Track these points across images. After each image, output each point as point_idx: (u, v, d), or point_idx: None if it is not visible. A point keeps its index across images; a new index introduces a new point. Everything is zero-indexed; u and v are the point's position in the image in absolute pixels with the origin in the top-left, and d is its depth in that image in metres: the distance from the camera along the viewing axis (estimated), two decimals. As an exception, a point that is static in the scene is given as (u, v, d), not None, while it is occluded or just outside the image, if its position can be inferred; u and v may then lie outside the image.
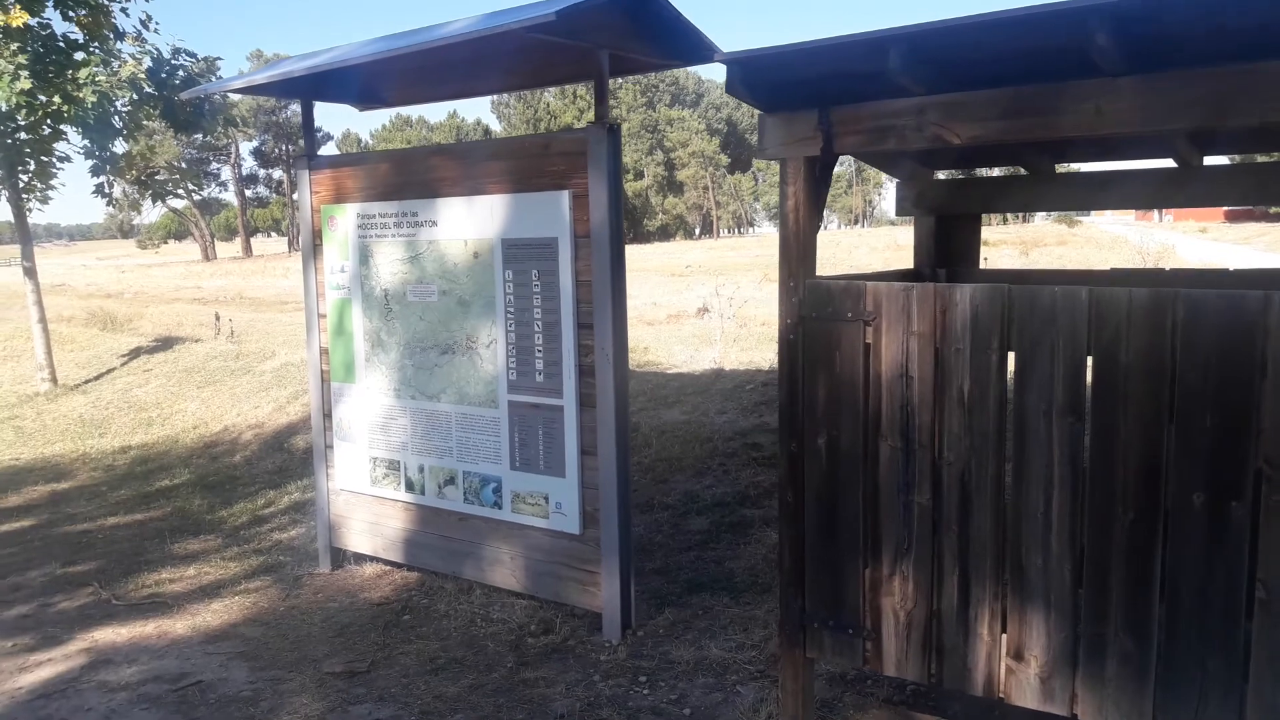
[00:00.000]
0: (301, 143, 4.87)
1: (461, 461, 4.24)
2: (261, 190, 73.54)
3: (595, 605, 3.87)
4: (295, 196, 4.55)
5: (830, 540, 2.84)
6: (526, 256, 3.89)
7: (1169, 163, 3.16)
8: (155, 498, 6.57)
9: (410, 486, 4.45)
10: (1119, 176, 3.27)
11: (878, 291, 2.67)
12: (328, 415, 4.79)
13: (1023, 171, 3.44)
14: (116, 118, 9.70)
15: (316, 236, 4.70)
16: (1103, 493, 2.27)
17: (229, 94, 5.74)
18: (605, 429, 3.75)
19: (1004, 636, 2.49)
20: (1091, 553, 2.31)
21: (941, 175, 3.68)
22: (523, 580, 4.11)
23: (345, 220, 4.52)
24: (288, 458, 7.31)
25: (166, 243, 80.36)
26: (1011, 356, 2.44)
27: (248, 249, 65.67)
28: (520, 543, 4.09)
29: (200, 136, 11.98)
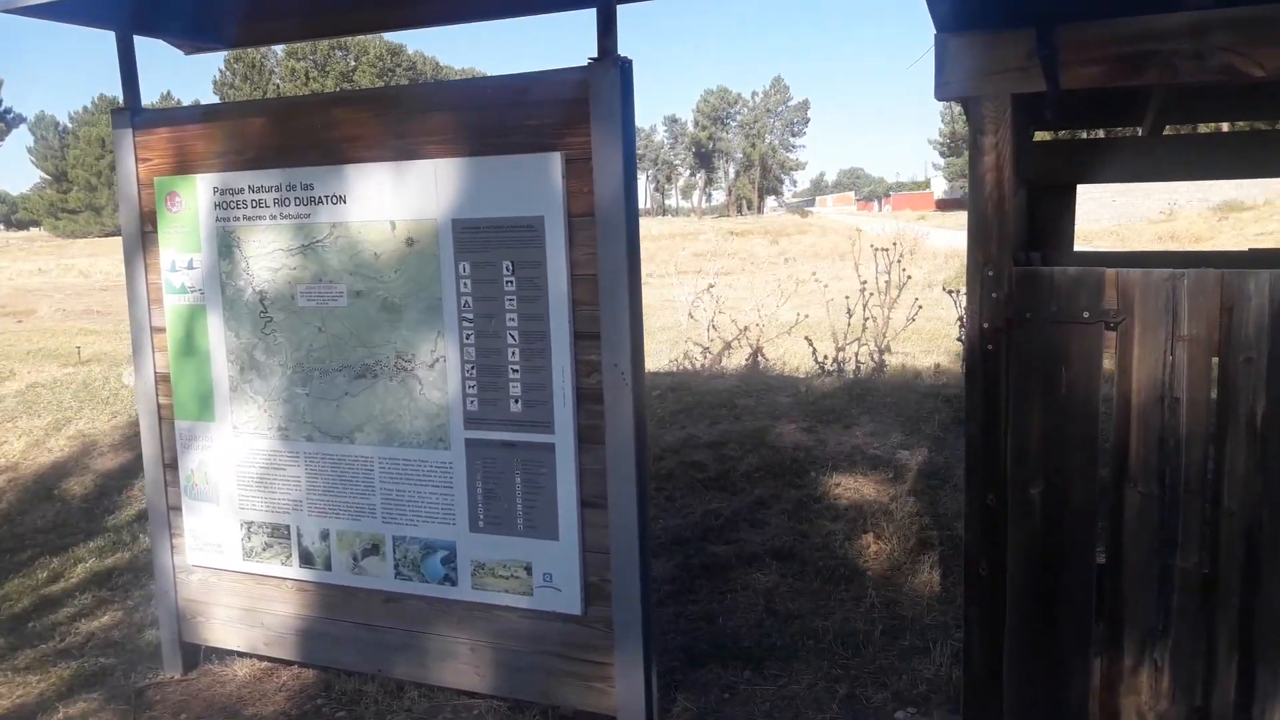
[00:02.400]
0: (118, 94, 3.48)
1: (390, 524, 3.12)
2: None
3: (606, 706, 2.91)
4: (113, 166, 3.20)
5: (1045, 623, 2.07)
6: (493, 243, 2.85)
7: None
8: (-127, 581, 4.79)
9: (307, 559, 3.26)
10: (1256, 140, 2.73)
11: (1127, 281, 1.92)
12: (170, 466, 3.47)
13: (1138, 131, 2.83)
14: None
15: (147, 221, 3.37)
16: None
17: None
18: (620, 472, 2.80)
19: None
20: None
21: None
22: (490, 678, 3.06)
23: (194, 198, 3.24)
24: (63, 509, 5.65)
25: None
26: None
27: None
28: (486, 629, 3.04)
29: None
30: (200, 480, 3.40)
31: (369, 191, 2.99)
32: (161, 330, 3.40)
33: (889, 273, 6.78)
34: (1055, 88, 1.92)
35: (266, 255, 3.16)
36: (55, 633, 3.95)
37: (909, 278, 7.02)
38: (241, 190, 3.17)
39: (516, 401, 2.90)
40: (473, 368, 2.94)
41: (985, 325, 2.02)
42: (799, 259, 24.25)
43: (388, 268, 3.00)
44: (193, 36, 3.55)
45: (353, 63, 76.49)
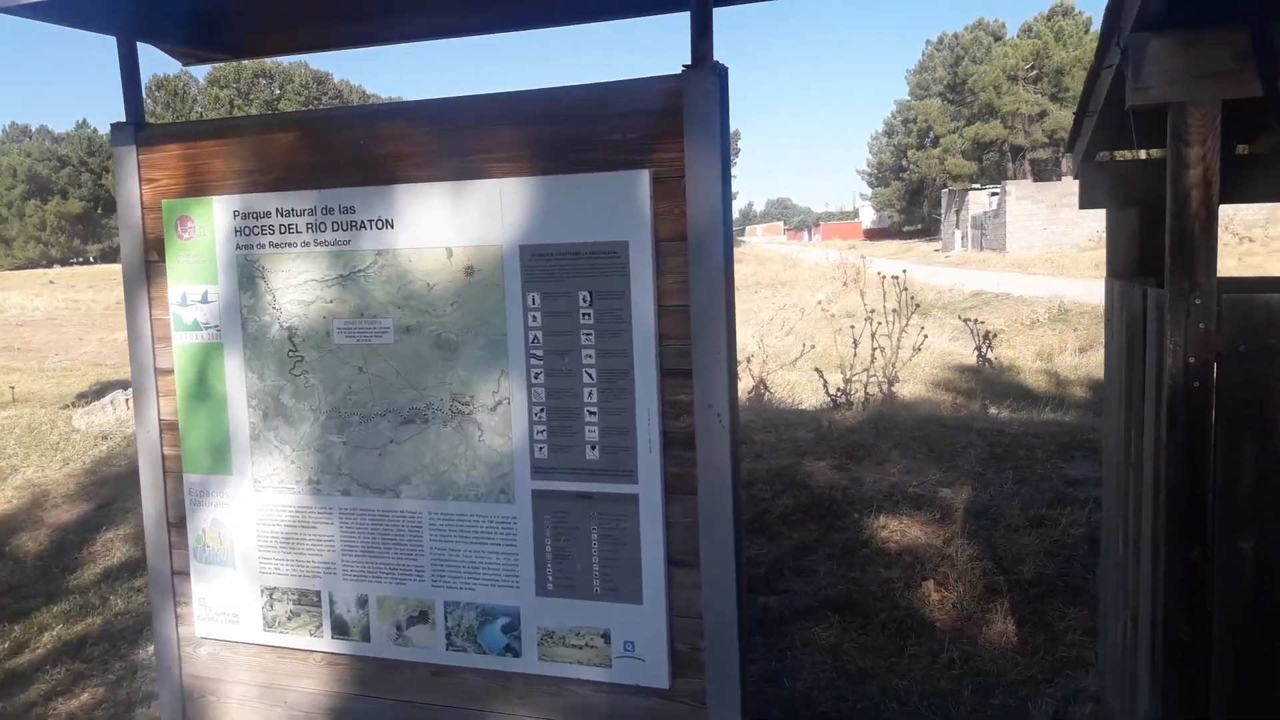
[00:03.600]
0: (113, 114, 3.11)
1: (441, 588, 2.77)
2: None
3: (698, 791, 2.59)
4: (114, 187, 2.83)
5: (1259, 694, 1.83)
6: (568, 272, 2.56)
7: None
8: None
9: (341, 629, 2.89)
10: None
11: (1364, 309, 1.70)
12: (176, 525, 3.08)
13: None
14: None
15: (152, 249, 3.00)
16: None
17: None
18: (715, 526, 2.50)
19: None
20: None
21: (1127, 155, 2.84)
22: (558, 760, 2.72)
23: (209, 222, 2.89)
24: (17, 569, 5.13)
25: None
26: None
27: None
28: (554, 705, 2.71)
29: None
30: (213, 542, 3.01)
31: (422, 215, 2.68)
32: (168, 372, 3.03)
33: (898, 301, 6.62)
34: (1274, 93, 1.71)
35: (297, 287, 2.82)
36: (30, 715, 3.49)
37: (917, 305, 6.87)
38: (268, 214, 2.83)
39: (593, 448, 2.59)
40: (542, 410, 2.63)
41: (1190, 360, 1.79)
42: (743, 288, 24.32)
43: (443, 300, 2.68)
44: (198, 45, 3.22)
45: (277, 90, 75.34)
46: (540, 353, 2.61)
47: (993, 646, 3.34)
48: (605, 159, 2.50)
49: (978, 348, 7.31)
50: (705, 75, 2.39)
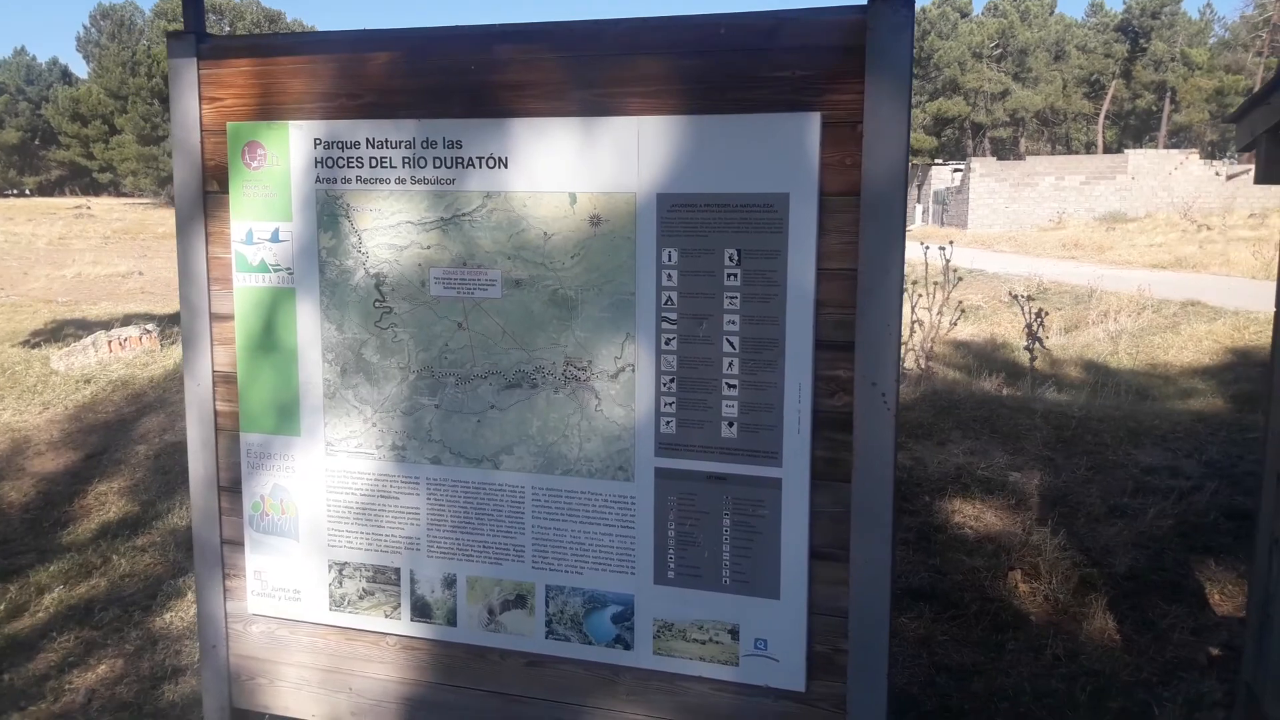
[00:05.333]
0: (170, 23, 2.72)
1: (543, 570, 2.50)
2: None
3: (831, 804, 2.36)
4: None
5: None
6: (714, 226, 2.26)
7: None
8: None
9: (423, 611, 2.60)
10: None
11: None
12: (228, 490, 2.75)
13: None
14: None
15: (211, 178, 2.64)
16: None
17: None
18: (869, 517, 2.26)
19: None
20: None
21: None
22: (669, 764, 2.48)
23: (284, 150, 2.54)
24: (1, 522, 4.71)
25: None
26: None
27: None
28: (668, 704, 2.46)
29: None
30: (273, 510, 2.70)
31: (541, 154, 2.36)
32: (226, 319, 2.68)
33: (942, 273, 6.39)
34: None
35: (389, 229, 2.49)
36: (44, 689, 3.16)
37: (959, 279, 6.66)
38: (356, 144, 2.49)
39: (730, 425, 2.32)
40: (672, 381, 2.35)
41: None
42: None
43: (561, 251, 2.38)
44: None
45: (228, 27, 72.69)
46: (674, 316, 2.32)
47: (1096, 644, 3.16)
48: (768, 98, 2.20)
49: (1028, 325, 7.12)
50: (897, 8, 2.10)
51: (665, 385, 2.35)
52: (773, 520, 2.31)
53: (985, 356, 10.02)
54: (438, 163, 2.43)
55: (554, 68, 2.35)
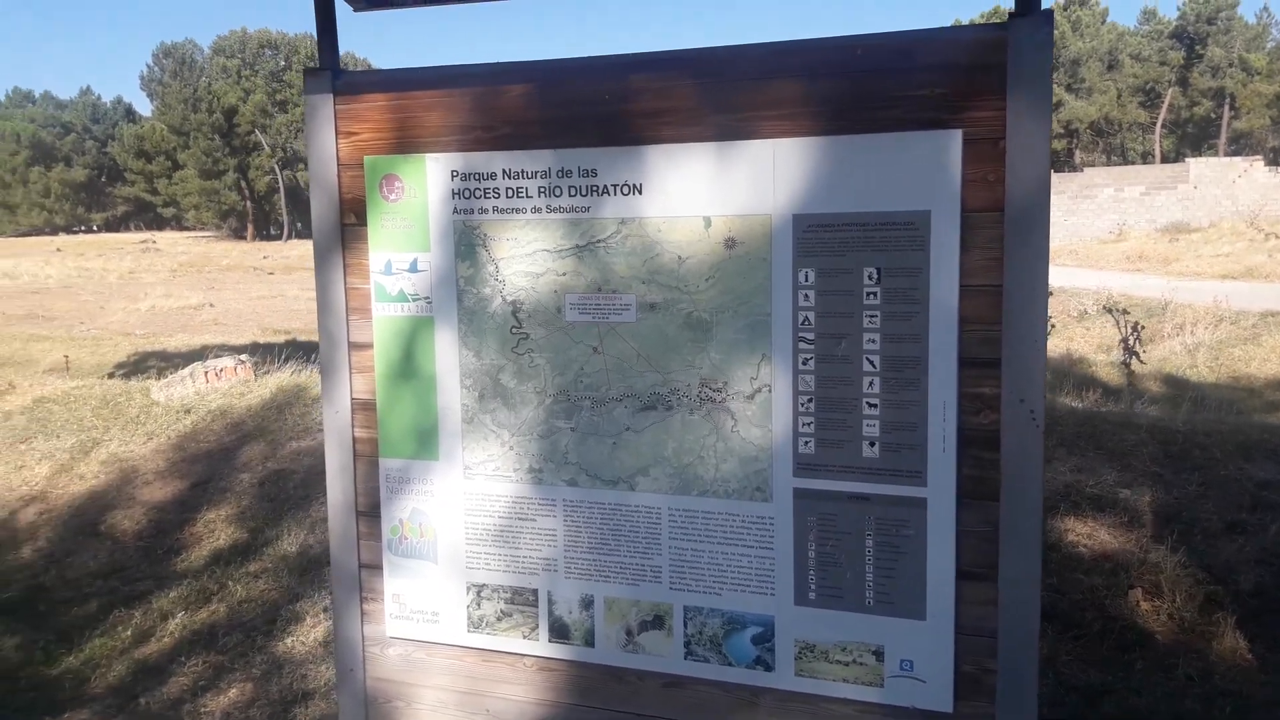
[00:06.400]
0: (304, 61, 2.83)
1: (681, 591, 2.51)
2: None
3: (982, 827, 2.34)
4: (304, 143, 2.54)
5: None
6: (852, 245, 2.28)
7: None
8: (-88, 637, 3.99)
9: (560, 632, 2.64)
10: None
11: None
12: (366, 514, 2.82)
13: None
14: None
15: (349, 211, 2.73)
16: None
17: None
18: (1018, 536, 2.24)
19: None
20: None
21: None
22: (811, 786, 2.47)
23: (421, 183, 2.62)
24: (117, 549, 4.89)
25: None
26: None
27: None
28: (811, 725, 2.45)
29: None
30: (412, 533, 2.76)
31: (676, 180, 2.40)
32: (364, 347, 2.76)
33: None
34: None
35: (525, 257, 2.55)
36: (180, 713, 3.25)
37: (1049, 293, 6.55)
38: (493, 175, 2.55)
39: (872, 444, 2.32)
40: (810, 400, 2.36)
41: None
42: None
43: (696, 275, 2.41)
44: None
45: (283, 62, 74.66)
46: (811, 336, 2.34)
47: (1228, 664, 3.09)
48: (907, 117, 2.21)
49: (1124, 340, 6.99)
50: (1038, 25, 2.11)
51: (803, 405, 2.37)
52: (918, 540, 2.31)
53: (1063, 372, 9.86)
54: (573, 191, 2.48)
55: (688, 95, 2.39)
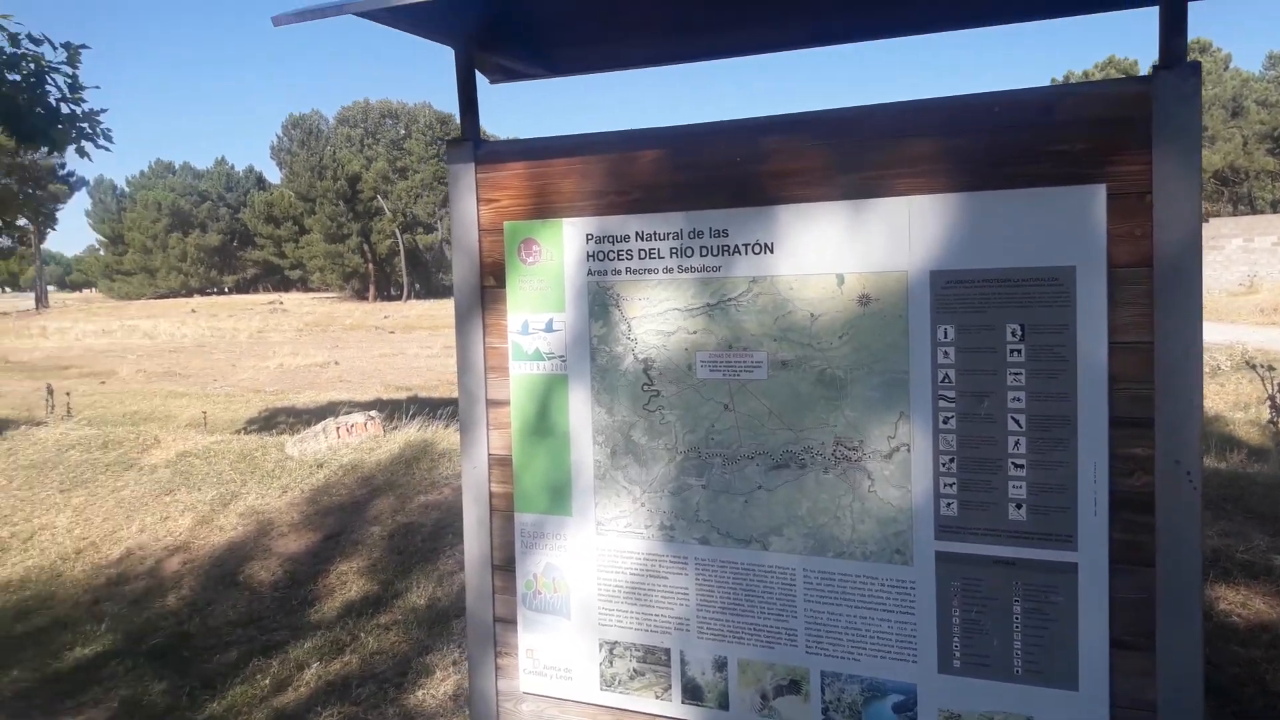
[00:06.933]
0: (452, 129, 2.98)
1: (817, 655, 2.47)
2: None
3: None
4: (446, 209, 2.64)
5: None
6: (993, 301, 2.24)
7: None
8: (72, 680, 4.23)
9: (694, 693, 2.61)
10: None
11: None
12: (501, 569, 2.87)
13: None
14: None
15: (489, 274, 2.83)
16: None
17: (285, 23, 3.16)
18: (1177, 605, 2.13)
19: None
20: None
21: None
22: None
23: (558, 246, 2.70)
24: (254, 599, 5.09)
25: None
26: None
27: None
28: (955, 798, 2.35)
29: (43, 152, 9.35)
30: (545, 588, 2.79)
31: (808, 238, 2.41)
32: (501, 404, 2.84)
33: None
34: None
35: (656, 316, 2.59)
36: (316, 761, 3.33)
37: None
38: (626, 237, 2.62)
39: (1019, 507, 2.26)
40: (952, 461, 2.31)
41: None
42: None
43: (829, 332, 2.40)
44: (534, 60, 3.05)
45: (403, 130, 78.18)
46: (951, 394, 2.30)
47: None
48: (1048, 172, 2.18)
49: (1271, 398, 6.64)
50: (1185, 77, 2.06)
51: (944, 465, 2.32)
52: (1068, 607, 2.22)
53: (1200, 431, 9.35)
54: (704, 251, 2.52)
55: (819, 155, 2.41)
